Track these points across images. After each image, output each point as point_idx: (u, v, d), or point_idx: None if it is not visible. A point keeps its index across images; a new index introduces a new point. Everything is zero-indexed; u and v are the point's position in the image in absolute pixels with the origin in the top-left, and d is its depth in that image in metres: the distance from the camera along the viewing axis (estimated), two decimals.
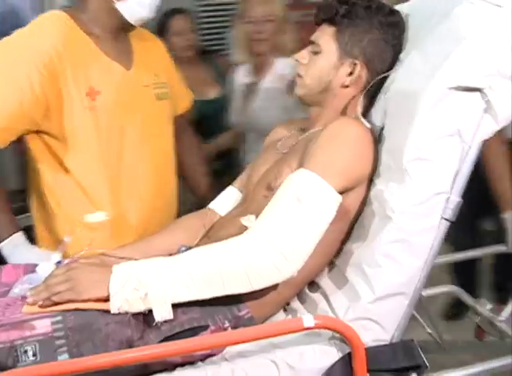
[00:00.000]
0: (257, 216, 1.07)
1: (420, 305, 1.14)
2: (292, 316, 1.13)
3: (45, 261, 1.18)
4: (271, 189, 1.15)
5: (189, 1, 3.37)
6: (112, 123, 1.39)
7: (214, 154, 2.25)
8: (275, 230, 1.01)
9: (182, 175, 1.67)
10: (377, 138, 1.16)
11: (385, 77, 1.20)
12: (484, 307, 1.51)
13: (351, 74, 1.20)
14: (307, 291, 1.16)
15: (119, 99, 1.40)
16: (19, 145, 1.40)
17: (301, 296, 1.17)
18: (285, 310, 1.17)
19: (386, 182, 1.07)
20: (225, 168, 2.19)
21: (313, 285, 1.17)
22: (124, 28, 1.44)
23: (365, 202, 1.13)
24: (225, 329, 1.04)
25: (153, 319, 0.99)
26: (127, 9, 1.38)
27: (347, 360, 0.99)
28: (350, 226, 1.15)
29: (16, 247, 1.37)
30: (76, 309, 0.99)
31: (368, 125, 1.18)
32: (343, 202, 1.07)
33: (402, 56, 1.18)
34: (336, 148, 1.11)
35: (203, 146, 2.02)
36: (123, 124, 1.41)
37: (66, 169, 1.38)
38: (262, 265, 1.00)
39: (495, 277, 2.55)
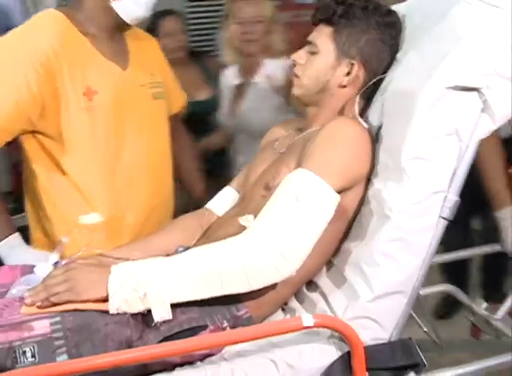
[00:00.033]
0: (255, 216, 1.07)
1: (418, 303, 1.14)
2: (290, 316, 1.13)
3: (43, 262, 1.18)
4: (269, 189, 1.16)
5: (179, 2, 3.38)
6: (109, 123, 1.39)
7: (204, 154, 2.25)
8: (273, 230, 1.01)
9: (178, 176, 1.67)
10: (375, 137, 1.16)
11: (382, 78, 1.20)
12: (480, 306, 1.51)
13: (348, 74, 1.21)
14: (305, 290, 1.17)
15: (116, 99, 1.39)
16: (8, 147, 1.39)
17: (299, 296, 1.17)
18: (283, 310, 1.17)
19: (384, 181, 1.08)
20: (215, 168, 2.19)
21: (311, 285, 1.17)
22: (119, 28, 1.44)
23: (363, 201, 1.13)
24: (224, 329, 1.04)
25: (152, 320, 0.99)
26: (123, 7, 1.37)
27: (346, 359, 1.00)
28: (348, 226, 1.15)
29: (13, 248, 1.36)
30: (75, 310, 0.99)
31: (365, 125, 1.18)
32: (341, 201, 1.07)
33: (399, 55, 1.19)
34: (333, 148, 1.11)
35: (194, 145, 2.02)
36: (120, 124, 1.40)
37: (61, 170, 1.38)
38: (261, 265, 1.00)
39: (486, 276, 2.57)
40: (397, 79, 1.14)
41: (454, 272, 2.29)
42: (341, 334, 0.97)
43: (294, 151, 1.18)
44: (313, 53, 1.23)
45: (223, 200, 1.38)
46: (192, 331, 1.01)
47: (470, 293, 2.10)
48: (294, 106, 1.93)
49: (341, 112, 1.24)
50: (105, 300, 0.99)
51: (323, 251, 1.13)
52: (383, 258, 1.03)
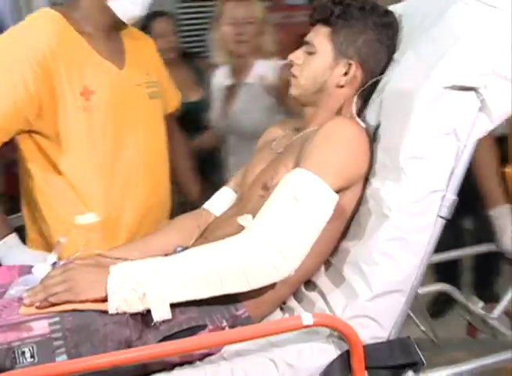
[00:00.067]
0: (253, 216, 1.07)
1: (415, 302, 1.14)
2: (289, 315, 1.13)
3: (40, 262, 1.17)
4: (267, 189, 1.16)
5: (170, 3, 3.38)
6: (106, 122, 1.39)
7: (196, 154, 2.26)
8: (272, 229, 1.01)
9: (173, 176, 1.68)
10: (372, 137, 1.17)
11: (380, 76, 1.21)
12: (476, 305, 1.52)
13: (346, 74, 1.21)
14: (303, 289, 1.17)
15: (113, 99, 1.39)
16: (3, 147, 1.39)
17: (297, 295, 1.17)
18: (281, 309, 1.17)
19: (382, 180, 1.08)
20: (206, 169, 2.20)
21: (309, 284, 1.18)
22: (115, 27, 1.44)
23: (360, 201, 1.14)
24: (223, 328, 1.04)
25: (152, 320, 0.99)
26: (119, 6, 1.37)
27: (345, 358, 1.00)
28: (346, 225, 1.16)
29: (10, 248, 1.36)
30: (74, 310, 0.98)
31: (363, 125, 1.19)
32: (339, 201, 1.07)
33: (397, 56, 1.19)
34: (331, 148, 1.11)
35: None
36: (117, 124, 1.40)
37: (57, 170, 1.37)
38: (260, 264, 1.00)
39: (477, 276, 2.58)
40: (395, 79, 1.14)
41: (445, 272, 2.29)
42: (341, 333, 0.98)
43: (292, 151, 1.18)
44: (310, 53, 1.23)
45: (220, 201, 1.38)
46: (192, 331, 1.01)
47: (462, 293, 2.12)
48: (286, 106, 1.95)
49: (339, 112, 1.24)
50: (104, 300, 0.99)
51: (322, 250, 1.13)
52: (381, 257, 1.04)
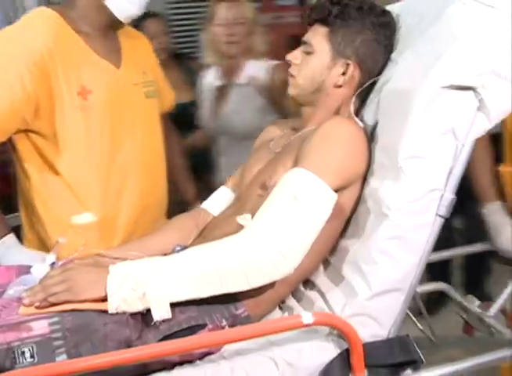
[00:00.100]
0: (252, 215, 1.07)
1: (413, 301, 1.15)
2: (288, 314, 1.14)
3: (38, 262, 1.17)
4: (265, 189, 1.16)
5: (161, 4, 3.38)
6: (103, 122, 1.38)
7: (187, 153, 2.25)
8: (272, 228, 1.02)
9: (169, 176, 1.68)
10: (370, 136, 1.17)
11: (378, 76, 1.22)
12: (473, 304, 1.53)
13: (343, 74, 1.22)
14: (302, 288, 1.17)
15: (110, 98, 1.39)
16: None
17: (296, 294, 1.18)
18: (280, 308, 1.18)
19: (380, 180, 1.09)
20: (197, 169, 2.20)
21: (308, 283, 1.18)
22: (112, 26, 1.43)
23: (359, 200, 1.14)
24: (223, 327, 1.05)
25: (151, 319, 0.99)
26: (116, 5, 1.37)
27: (345, 356, 1.00)
28: (344, 224, 1.16)
29: (8, 248, 1.35)
30: (73, 310, 0.98)
31: (361, 124, 1.19)
32: (338, 200, 1.08)
33: (395, 56, 1.20)
34: (330, 147, 1.12)
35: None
36: (114, 124, 1.40)
37: (54, 170, 1.37)
38: (260, 263, 1.00)
39: (467, 275, 2.59)
40: (393, 79, 1.15)
41: (436, 272, 2.29)
42: (340, 332, 0.98)
43: (291, 150, 1.18)
44: (308, 53, 1.24)
45: (218, 200, 1.39)
46: (191, 330, 1.02)
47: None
48: (277, 107, 1.96)
49: (337, 112, 1.24)
50: (103, 300, 0.99)
51: (320, 249, 1.13)
52: (381, 256, 1.04)
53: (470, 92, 1.03)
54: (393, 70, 1.17)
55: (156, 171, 1.54)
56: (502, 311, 1.55)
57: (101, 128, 1.38)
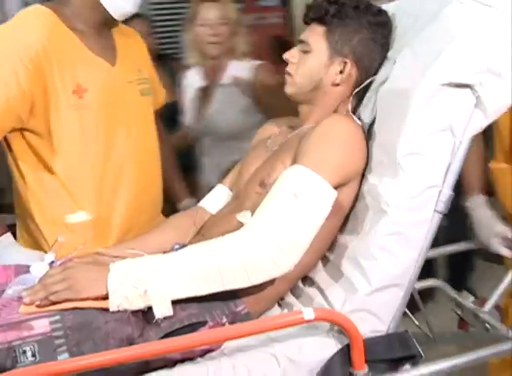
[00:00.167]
0: (252, 213, 1.08)
1: (410, 297, 1.15)
2: (288, 311, 1.14)
3: (35, 261, 1.17)
4: (264, 186, 1.17)
5: (143, 5, 3.38)
6: (98, 121, 1.38)
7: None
8: (272, 225, 1.02)
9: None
10: (367, 134, 1.18)
11: (374, 75, 1.23)
12: (468, 300, 1.54)
13: (341, 72, 1.22)
14: (301, 285, 1.18)
15: (105, 97, 1.38)
16: None
17: (295, 291, 1.18)
18: (279, 305, 1.18)
19: (379, 176, 1.10)
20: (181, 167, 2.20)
21: (307, 280, 1.19)
22: (107, 23, 1.43)
23: (357, 197, 1.15)
24: (223, 324, 1.05)
25: (153, 317, 0.99)
26: (110, 3, 1.36)
27: (345, 352, 1.01)
28: (343, 221, 1.17)
29: (5, 248, 1.35)
30: (74, 308, 0.98)
31: (359, 122, 1.20)
32: (337, 197, 1.08)
33: (392, 54, 1.21)
34: (328, 145, 1.13)
35: None
36: (109, 122, 1.39)
37: (49, 169, 1.36)
38: (260, 260, 1.01)
39: (451, 272, 2.61)
40: (390, 78, 1.15)
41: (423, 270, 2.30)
42: (341, 327, 0.99)
43: (289, 148, 1.19)
44: (306, 52, 1.24)
45: (216, 199, 1.39)
46: (192, 327, 1.02)
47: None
48: (261, 106, 1.96)
49: (335, 110, 1.25)
50: (104, 298, 0.99)
51: (319, 246, 1.14)
52: (380, 252, 1.05)
53: (468, 90, 1.04)
54: (390, 69, 1.18)
55: (151, 169, 1.54)
56: (497, 307, 1.56)
57: (96, 127, 1.37)
